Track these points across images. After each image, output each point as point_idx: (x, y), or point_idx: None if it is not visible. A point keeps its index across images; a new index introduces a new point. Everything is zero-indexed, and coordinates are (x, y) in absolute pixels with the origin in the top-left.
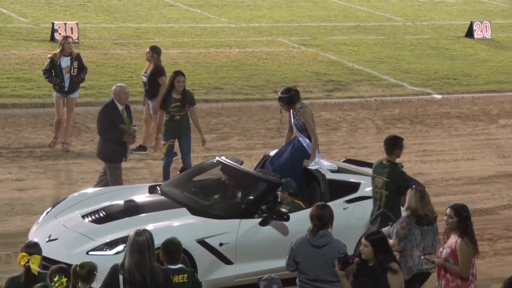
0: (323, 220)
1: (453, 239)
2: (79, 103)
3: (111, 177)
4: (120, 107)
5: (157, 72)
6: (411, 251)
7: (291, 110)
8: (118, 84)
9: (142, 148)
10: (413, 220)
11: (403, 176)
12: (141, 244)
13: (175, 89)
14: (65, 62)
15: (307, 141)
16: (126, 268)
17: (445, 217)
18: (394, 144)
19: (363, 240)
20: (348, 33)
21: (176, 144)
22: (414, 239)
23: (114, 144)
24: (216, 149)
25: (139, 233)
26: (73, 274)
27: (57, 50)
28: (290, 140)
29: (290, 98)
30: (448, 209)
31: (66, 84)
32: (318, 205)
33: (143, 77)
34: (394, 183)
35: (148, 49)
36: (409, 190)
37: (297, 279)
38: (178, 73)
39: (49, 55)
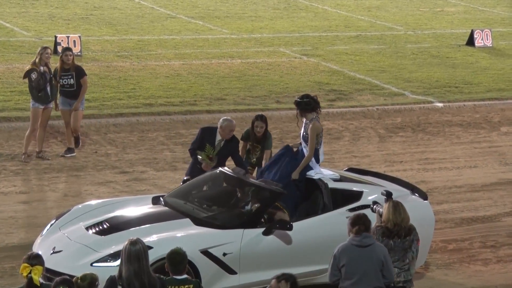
0: (367, 222)
1: None
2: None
3: None
4: (219, 138)
5: (82, 72)
6: None
7: (304, 121)
8: (227, 118)
9: (69, 150)
10: (380, 232)
11: None
12: (138, 252)
13: (255, 134)
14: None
15: None
16: (124, 278)
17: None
18: None
19: None
20: (349, 43)
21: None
22: None
23: (198, 168)
24: None
25: (134, 242)
26: (75, 287)
27: (35, 60)
28: (290, 151)
29: (304, 104)
30: (273, 280)
31: (49, 93)
32: (361, 214)
33: (67, 78)
34: None
35: (70, 52)
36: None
37: None
38: (258, 118)
39: (29, 67)
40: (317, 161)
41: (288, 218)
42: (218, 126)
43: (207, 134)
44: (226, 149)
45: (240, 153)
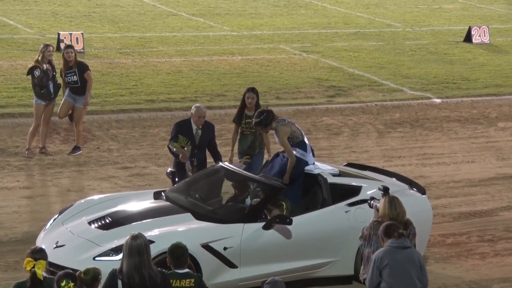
0: (399, 226)
1: None
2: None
3: None
4: (195, 127)
5: (85, 67)
6: (370, 254)
7: (274, 132)
8: (196, 105)
9: (76, 148)
10: (377, 227)
11: None
12: (139, 246)
13: (247, 106)
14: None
15: (297, 149)
16: (124, 272)
17: None
18: None
19: None
20: (348, 40)
21: None
22: (372, 245)
23: (180, 162)
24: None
25: (135, 237)
26: (78, 281)
27: (38, 58)
28: (283, 153)
29: (264, 120)
30: None
31: (51, 90)
32: (391, 222)
33: (70, 75)
34: None
35: (71, 49)
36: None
37: None
38: (249, 90)
39: (33, 64)
40: (305, 150)
41: (283, 213)
42: (191, 114)
43: (182, 127)
44: (205, 136)
45: (231, 136)
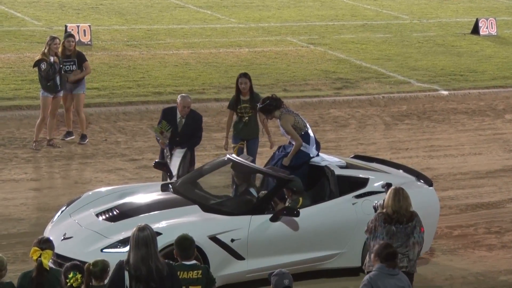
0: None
1: None
2: (92, 104)
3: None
4: (179, 115)
5: (84, 58)
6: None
7: (278, 121)
8: (182, 95)
9: (68, 134)
10: (382, 218)
11: None
12: (146, 237)
13: (241, 92)
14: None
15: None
16: (131, 263)
17: None
18: None
19: None
20: (355, 32)
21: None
22: (378, 237)
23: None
24: None
25: (142, 228)
26: (86, 272)
27: (44, 50)
28: (285, 145)
29: (268, 105)
30: None
31: (58, 83)
32: (389, 246)
33: (69, 64)
34: None
35: (72, 38)
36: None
37: None
38: (241, 75)
39: (39, 57)
40: (308, 142)
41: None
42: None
43: (168, 114)
44: (188, 126)
45: (228, 122)
